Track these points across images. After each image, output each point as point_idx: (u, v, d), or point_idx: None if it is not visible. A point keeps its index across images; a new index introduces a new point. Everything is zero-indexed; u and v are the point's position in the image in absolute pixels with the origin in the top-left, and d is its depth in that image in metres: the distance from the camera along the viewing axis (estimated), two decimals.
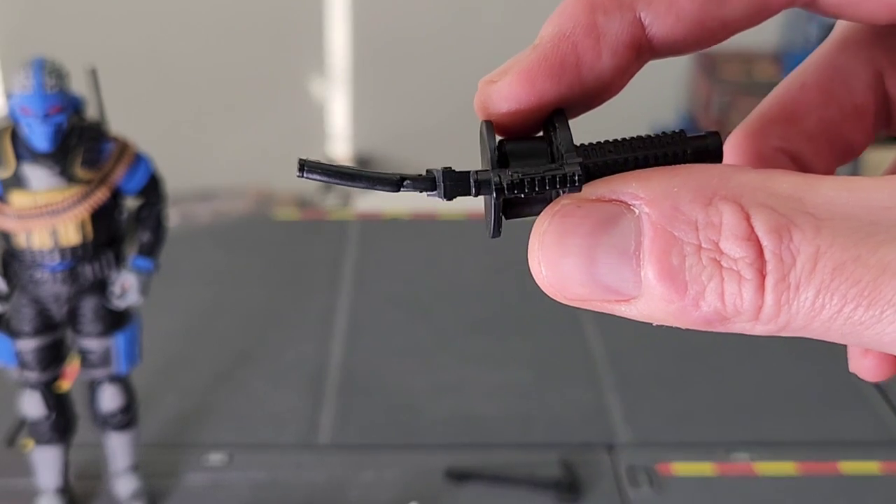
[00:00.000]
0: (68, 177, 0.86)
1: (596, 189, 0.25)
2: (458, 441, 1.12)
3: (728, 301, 0.23)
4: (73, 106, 0.86)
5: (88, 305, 0.92)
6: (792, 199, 0.23)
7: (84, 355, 0.94)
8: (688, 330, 0.25)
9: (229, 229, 1.76)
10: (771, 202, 0.23)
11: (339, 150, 2.71)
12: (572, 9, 0.27)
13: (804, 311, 0.22)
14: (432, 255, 1.60)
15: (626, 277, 0.24)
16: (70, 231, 0.87)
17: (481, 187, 0.25)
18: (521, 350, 1.31)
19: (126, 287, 0.92)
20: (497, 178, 0.25)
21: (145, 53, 2.50)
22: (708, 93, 2.57)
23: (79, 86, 0.88)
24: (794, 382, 1.25)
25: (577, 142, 0.26)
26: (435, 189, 0.26)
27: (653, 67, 0.29)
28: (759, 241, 0.22)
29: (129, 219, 0.94)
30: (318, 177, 0.25)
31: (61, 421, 0.96)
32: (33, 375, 0.93)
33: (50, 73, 0.83)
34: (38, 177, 0.85)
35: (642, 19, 0.27)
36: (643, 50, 0.27)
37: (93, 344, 0.93)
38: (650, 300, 0.24)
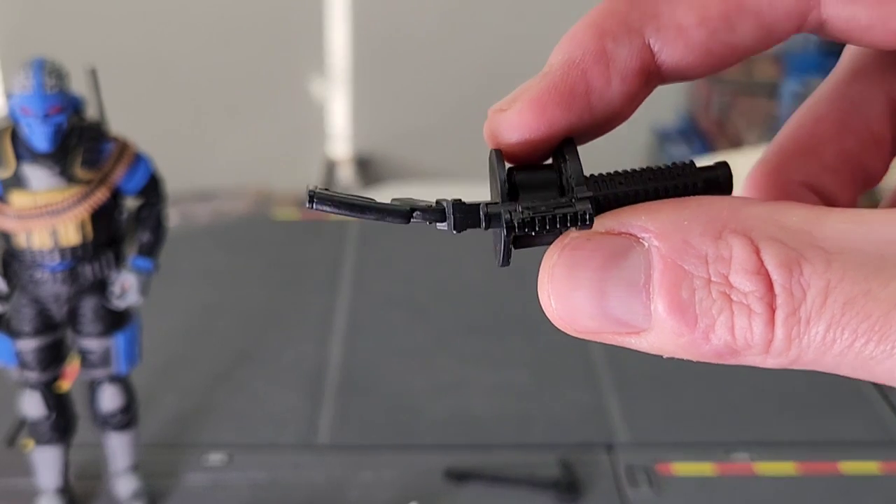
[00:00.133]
0: (68, 177, 0.86)
1: (605, 222, 0.25)
2: (458, 441, 1.13)
3: (738, 335, 0.23)
4: (73, 106, 0.86)
5: (88, 305, 0.92)
6: (802, 233, 0.23)
7: (84, 355, 0.94)
8: None
9: (229, 229, 1.76)
10: (781, 235, 0.23)
11: (339, 150, 2.71)
12: (581, 36, 0.27)
13: (815, 346, 0.22)
14: (432, 256, 1.60)
15: (636, 310, 0.24)
16: (70, 231, 0.88)
17: (491, 221, 0.26)
18: (521, 350, 1.31)
19: (126, 287, 0.92)
20: (508, 216, 0.25)
21: (145, 53, 2.50)
22: (708, 93, 2.57)
23: (79, 86, 0.88)
24: (794, 382, 1.25)
25: (586, 171, 0.26)
26: (445, 221, 0.26)
27: None
28: (769, 275, 0.22)
29: (129, 219, 0.94)
30: (327, 208, 0.25)
31: (61, 421, 0.96)
32: (33, 375, 0.93)
33: (50, 74, 0.83)
34: (38, 177, 0.85)
35: (651, 45, 0.27)
36: (652, 76, 0.27)
37: (93, 344, 0.93)
38: (660, 333, 0.24)
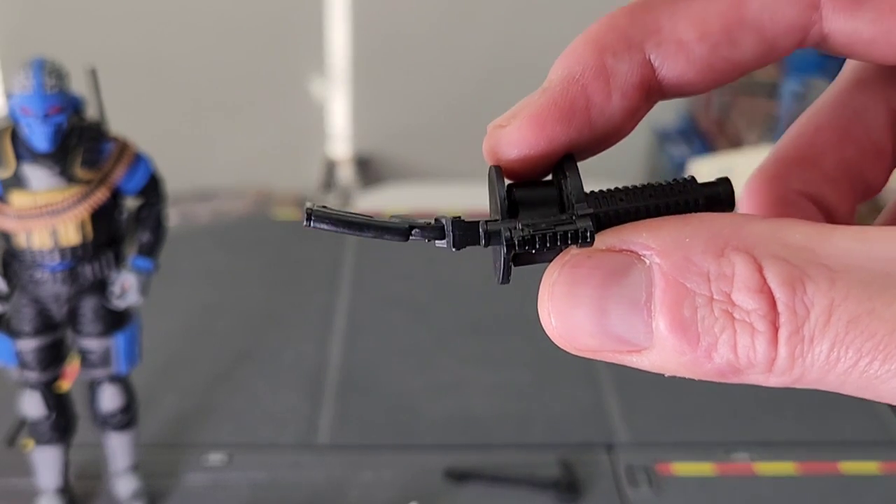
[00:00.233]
0: (68, 177, 0.86)
1: (606, 239, 0.25)
2: (458, 441, 1.13)
3: (741, 353, 0.23)
4: (73, 106, 0.86)
5: (88, 305, 0.92)
6: (805, 250, 0.23)
7: (84, 355, 0.94)
8: None
9: (229, 229, 1.76)
10: (784, 253, 0.23)
11: (339, 150, 2.71)
12: (581, 51, 0.27)
13: (819, 365, 0.22)
14: (432, 256, 1.60)
15: (637, 329, 0.24)
16: (70, 231, 0.88)
17: (491, 238, 0.26)
18: (521, 350, 1.31)
19: (126, 287, 0.92)
20: (508, 234, 0.25)
21: (145, 53, 2.50)
22: (708, 93, 2.57)
23: (79, 86, 0.88)
24: None
25: (587, 181, 0.26)
26: (444, 238, 0.26)
27: None
28: (771, 293, 0.22)
29: (129, 219, 0.94)
30: (325, 226, 0.26)
31: (61, 421, 0.96)
32: (33, 375, 0.93)
33: (50, 74, 0.83)
34: (38, 177, 0.85)
35: (652, 60, 0.27)
36: (653, 91, 0.27)
37: (93, 344, 0.93)
38: (662, 351, 0.24)
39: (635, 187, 0.27)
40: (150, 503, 1.00)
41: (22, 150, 0.85)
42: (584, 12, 2.36)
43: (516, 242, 0.25)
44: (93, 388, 0.97)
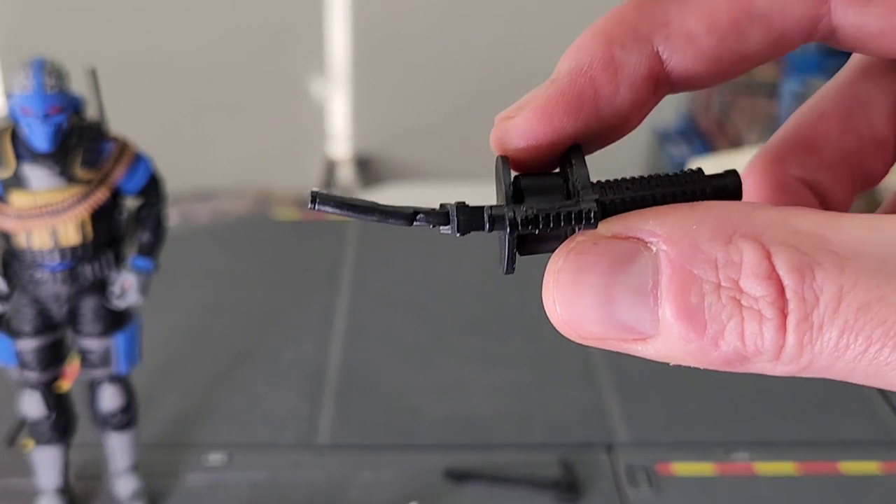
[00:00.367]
0: (68, 177, 0.86)
1: (612, 226, 0.25)
2: (458, 441, 1.13)
3: (748, 341, 0.23)
4: (73, 106, 0.86)
5: (88, 305, 0.92)
6: (814, 237, 0.22)
7: (84, 355, 0.94)
8: None
9: (229, 229, 1.75)
10: (793, 240, 0.22)
11: (339, 149, 2.71)
12: (589, 43, 0.27)
13: (828, 352, 0.22)
14: (432, 256, 1.60)
15: (643, 316, 0.24)
16: (70, 231, 0.88)
17: (495, 223, 0.25)
18: (521, 350, 1.31)
19: (126, 287, 0.92)
20: (511, 214, 0.25)
21: (145, 53, 2.50)
22: (708, 93, 2.57)
23: (79, 86, 0.88)
24: (794, 382, 1.25)
25: (593, 179, 0.26)
26: (448, 224, 0.26)
27: None
28: (780, 280, 0.22)
29: (129, 219, 0.94)
30: (330, 209, 0.25)
31: (61, 421, 0.96)
32: (33, 375, 0.93)
33: (50, 74, 0.83)
34: (38, 177, 0.85)
35: (660, 53, 0.27)
36: (661, 84, 0.27)
37: (93, 344, 0.93)
38: (668, 339, 0.24)
39: (642, 177, 0.27)
40: (150, 503, 1.00)
41: (22, 150, 0.85)
42: (583, 12, 2.36)
43: (519, 221, 0.25)
44: (93, 388, 0.97)
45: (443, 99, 2.60)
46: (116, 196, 0.91)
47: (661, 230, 0.24)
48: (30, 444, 0.99)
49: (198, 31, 2.52)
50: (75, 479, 1.01)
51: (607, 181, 0.27)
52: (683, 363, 0.24)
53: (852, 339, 0.22)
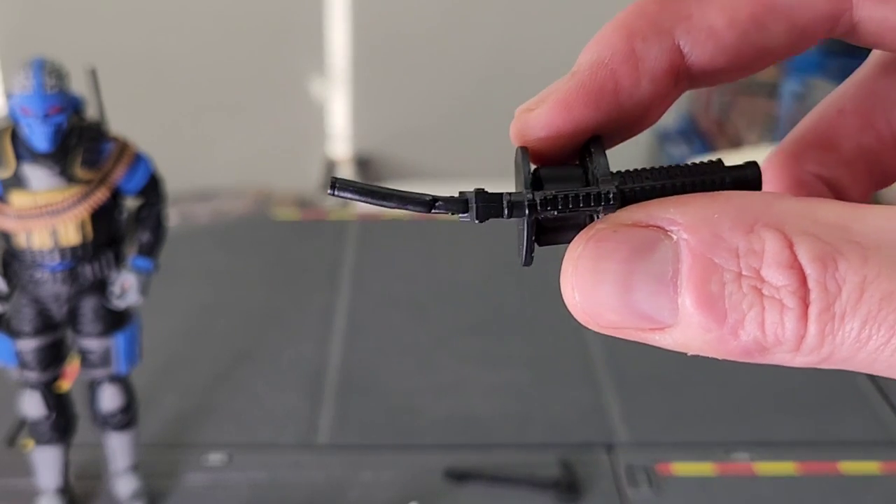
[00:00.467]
0: (68, 177, 0.86)
1: (633, 214, 0.25)
2: (458, 441, 1.12)
3: (769, 330, 0.22)
4: (73, 106, 0.86)
5: (88, 305, 0.92)
6: (837, 228, 0.22)
7: (84, 355, 0.94)
8: None
9: (229, 229, 1.75)
10: (815, 230, 0.22)
11: (339, 149, 2.71)
12: (610, 36, 0.27)
13: (849, 342, 0.22)
14: (432, 256, 1.60)
15: (662, 305, 0.23)
16: (70, 231, 0.88)
17: (514, 209, 0.25)
18: (520, 350, 1.31)
19: (126, 287, 0.92)
20: (530, 196, 0.25)
21: (145, 53, 2.50)
22: (708, 93, 2.57)
23: (79, 86, 0.88)
24: (794, 382, 1.25)
25: (613, 169, 0.26)
26: (467, 211, 0.25)
27: None
28: (802, 270, 0.22)
29: (129, 219, 0.94)
30: (349, 195, 0.25)
31: (61, 421, 0.96)
32: (33, 375, 0.93)
33: (50, 74, 0.83)
34: (38, 177, 0.85)
35: (681, 47, 0.27)
36: (681, 77, 0.27)
37: (93, 344, 0.93)
38: (687, 328, 0.23)
39: (661, 167, 0.27)
40: (150, 503, 1.00)
41: (22, 150, 0.85)
42: (583, 12, 2.36)
43: (538, 202, 0.25)
44: (93, 388, 0.97)
45: (443, 99, 2.60)
46: (116, 196, 0.91)
47: (682, 219, 0.24)
48: (30, 444, 0.99)
49: (198, 31, 2.52)
50: (75, 479, 1.01)
51: (627, 171, 0.26)
52: (701, 353, 0.24)
53: (875, 329, 0.21)
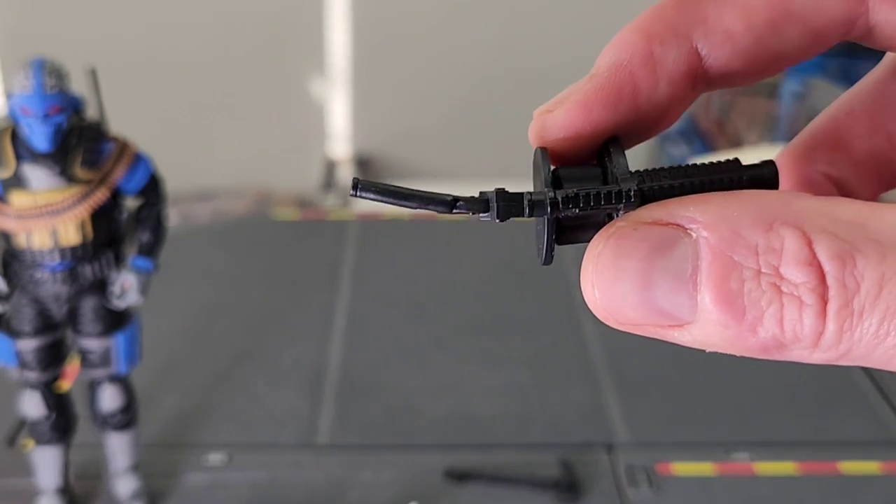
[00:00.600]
0: (68, 177, 0.86)
1: (652, 212, 0.25)
2: (458, 441, 1.13)
3: (787, 327, 0.23)
4: (73, 106, 0.86)
5: (88, 305, 0.92)
6: (855, 226, 0.22)
7: (84, 355, 0.94)
8: None
9: (229, 229, 1.76)
10: (833, 228, 0.22)
11: (339, 149, 2.71)
12: (629, 38, 0.27)
13: (867, 339, 0.22)
14: (432, 256, 1.60)
15: (681, 302, 0.24)
16: (70, 231, 0.88)
17: (535, 208, 0.25)
18: (520, 350, 1.31)
19: (126, 287, 0.92)
20: (552, 194, 0.25)
21: (145, 53, 2.50)
22: (708, 93, 2.57)
23: (79, 86, 0.88)
24: (794, 382, 1.25)
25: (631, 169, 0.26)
26: (488, 210, 0.26)
27: None
28: (821, 267, 0.22)
29: (129, 219, 0.94)
30: (371, 195, 0.25)
31: (61, 421, 0.96)
32: (33, 375, 0.93)
33: (50, 74, 0.83)
34: (38, 177, 0.85)
35: (699, 50, 0.27)
36: (699, 80, 0.27)
37: (93, 344, 0.93)
38: (706, 325, 0.24)
39: (679, 166, 0.27)
40: (150, 503, 1.00)
41: (22, 150, 0.85)
42: (583, 13, 2.36)
43: (560, 200, 0.25)
44: (93, 388, 0.97)
45: (443, 99, 2.60)
46: (116, 196, 0.91)
47: (701, 217, 0.24)
48: (30, 444, 0.99)
49: (198, 31, 2.52)
50: (75, 479, 1.01)
51: (646, 170, 0.27)
52: (720, 350, 0.24)
53: (893, 325, 0.22)
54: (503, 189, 0.26)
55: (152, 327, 1.07)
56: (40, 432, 0.96)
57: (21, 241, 0.87)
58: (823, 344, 0.22)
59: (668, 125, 0.28)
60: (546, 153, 0.27)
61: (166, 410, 1.17)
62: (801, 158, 0.31)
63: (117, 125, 0.92)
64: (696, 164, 0.27)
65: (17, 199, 0.86)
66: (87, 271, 0.90)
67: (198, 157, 2.54)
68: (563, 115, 0.27)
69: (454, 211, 0.26)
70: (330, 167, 2.67)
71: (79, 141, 0.86)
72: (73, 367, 0.98)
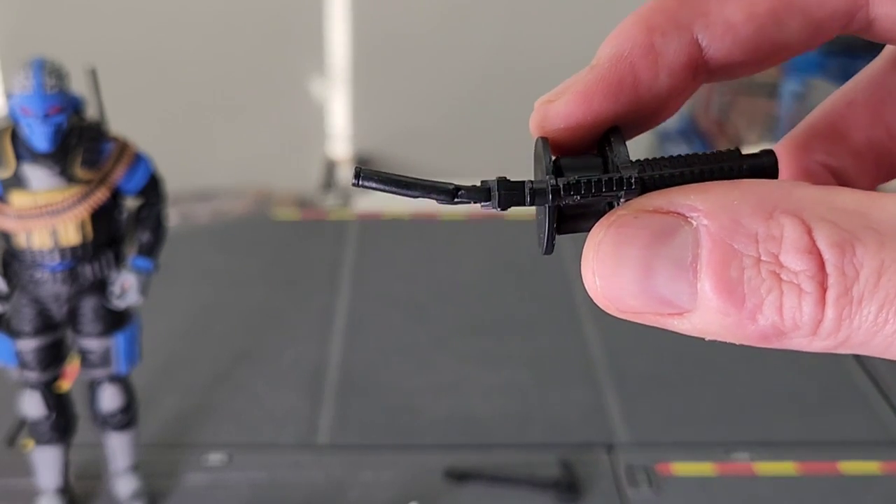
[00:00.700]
0: (68, 177, 0.86)
1: (653, 201, 0.25)
2: (457, 441, 1.12)
3: (787, 315, 0.23)
4: (73, 106, 0.86)
5: (88, 305, 0.92)
6: (855, 215, 0.22)
7: (84, 355, 0.94)
8: None
9: (229, 229, 1.76)
10: (833, 216, 0.23)
11: (339, 149, 2.71)
12: (630, 30, 0.27)
13: (866, 326, 0.22)
14: (432, 256, 1.60)
15: (681, 290, 0.24)
16: (70, 231, 0.88)
17: (536, 196, 0.25)
18: (520, 350, 1.31)
19: (126, 287, 0.92)
20: (553, 181, 0.25)
21: (145, 53, 2.50)
22: (708, 92, 2.57)
23: (79, 86, 0.88)
24: (794, 382, 1.25)
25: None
26: (489, 200, 0.26)
27: None
28: (820, 255, 0.22)
29: (129, 219, 0.94)
30: (373, 184, 0.25)
31: (61, 421, 0.96)
32: (33, 375, 0.93)
33: (50, 74, 0.83)
34: (38, 177, 0.85)
35: (699, 41, 0.27)
36: (699, 71, 0.27)
37: (93, 344, 0.93)
38: (706, 313, 0.24)
39: (680, 155, 0.27)
40: (150, 503, 1.00)
41: (22, 150, 0.85)
42: (583, 13, 2.36)
43: (561, 187, 0.25)
44: (93, 388, 0.97)
45: (443, 99, 2.60)
46: (116, 196, 0.91)
47: (702, 205, 0.24)
48: (30, 444, 0.99)
49: (198, 31, 2.52)
50: (75, 479, 1.01)
51: (646, 159, 0.27)
52: (720, 338, 0.24)
53: (892, 313, 0.22)
54: (504, 178, 0.26)
55: (152, 327, 1.07)
56: (40, 432, 0.96)
57: (21, 241, 0.87)
58: (822, 332, 0.23)
59: (669, 116, 0.28)
60: (547, 143, 0.27)
61: (166, 410, 1.17)
62: (800, 148, 0.31)
63: (117, 125, 0.92)
64: (696, 154, 0.27)
65: (18, 199, 0.86)
66: (87, 271, 0.90)
67: (198, 157, 2.54)
68: (564, 105, 0.27)
69: (455, 200, 0.26)
70: (330, 167, 2.66)
71: (79, 141, 0.86)
72: (73, 367, 0.98)
